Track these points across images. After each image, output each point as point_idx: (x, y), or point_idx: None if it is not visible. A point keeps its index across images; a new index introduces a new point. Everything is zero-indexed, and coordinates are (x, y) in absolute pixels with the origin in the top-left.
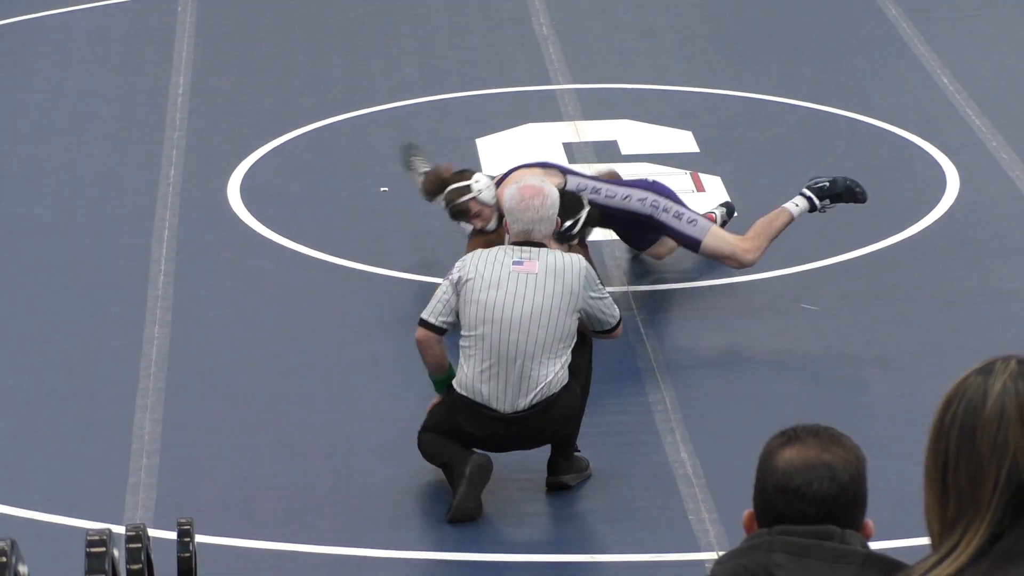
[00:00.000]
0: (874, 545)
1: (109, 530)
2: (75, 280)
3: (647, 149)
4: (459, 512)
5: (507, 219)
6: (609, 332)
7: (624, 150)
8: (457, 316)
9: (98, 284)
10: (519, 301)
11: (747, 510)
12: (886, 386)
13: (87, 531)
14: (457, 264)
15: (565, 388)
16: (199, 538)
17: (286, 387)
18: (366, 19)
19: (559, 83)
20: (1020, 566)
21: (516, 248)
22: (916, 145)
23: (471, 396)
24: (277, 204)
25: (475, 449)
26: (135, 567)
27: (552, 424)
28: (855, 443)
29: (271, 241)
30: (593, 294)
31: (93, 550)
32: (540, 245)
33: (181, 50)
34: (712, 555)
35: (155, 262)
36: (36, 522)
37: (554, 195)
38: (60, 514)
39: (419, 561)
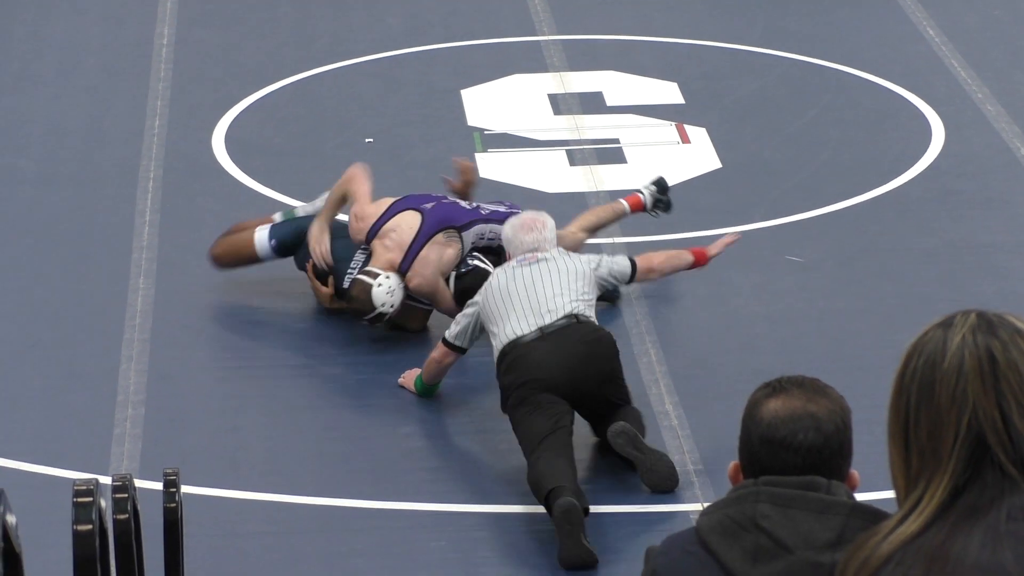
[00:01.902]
0: (860, 496)
1: (96, 480)
2: (60, 231)
3: (632, 100)
4: (568, 563)
5: (508, 249)
6: (633, 278)
7: (609, 101)
8: (475, 336)
9: (83, 235)
10: (534, 278)
11: (733, 462)
12: (871, 337)
13: (74, 481)
14: (473, 299)
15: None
16: (185, 488)
17: (271, 337)
18: None
19: (544, 34)
20: (983, 521)
21: (517, 258)
22: (901, 97)
23: (511, 344)
24: (262, 155)
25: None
26: (121, 517)
27: (591, 347)
28: (840, 394)
29: (256, 192)
30: (597, 265)
31: (80, 500)
32: None
33: (165, 1)
34: (697, 506)
35: (140, 213)
36: (21, 472)
37: (551, 221)
38: (46, 465)
39: (403, 512)
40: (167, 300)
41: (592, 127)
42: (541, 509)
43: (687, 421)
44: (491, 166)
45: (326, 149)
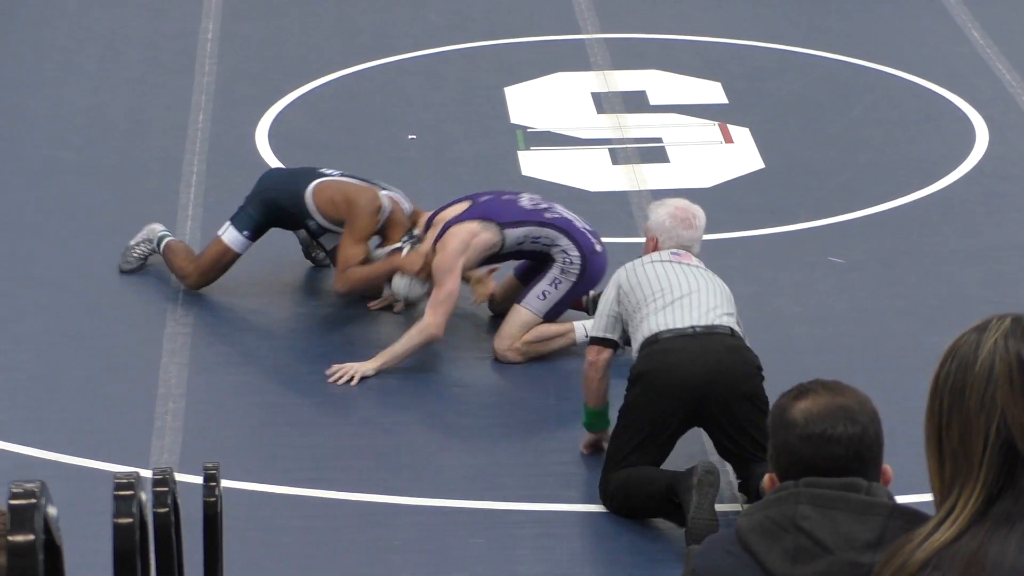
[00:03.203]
0: (899, 498)
1: (137, 473)
2: (101, 223)
3: (676, 100)
4: (696, 528)
5: (660, 237)
6: None
7: (653, 100)
8: (624, 329)
9: (125, 227)
10: (693, 282)
11: (767, 474)
12: (912, 339)
13: (114, 474)
14: (612, 279)
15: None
16: (225, 483)
17: (312, 333)
18: None
19: (588, 32)
20: (1020, 527)
21: (669, 250)
22: (945, 99)
23: (656, 333)
24: (304, 150)
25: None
26: (162, 510)
27: (738, 356)
28: (863, 392)
29: None
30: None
31: (121, 493)
32: None
33: None
34: (736, 507)
35: (183, 207)
36: (62, 464)
37: (703, 214)
38: (86, 457)
39: (442, 508)
40: (208, 294)
41: (635, 126)
42: (581, 507)
43: None
44: (534, 164)
45: (369, 145)
